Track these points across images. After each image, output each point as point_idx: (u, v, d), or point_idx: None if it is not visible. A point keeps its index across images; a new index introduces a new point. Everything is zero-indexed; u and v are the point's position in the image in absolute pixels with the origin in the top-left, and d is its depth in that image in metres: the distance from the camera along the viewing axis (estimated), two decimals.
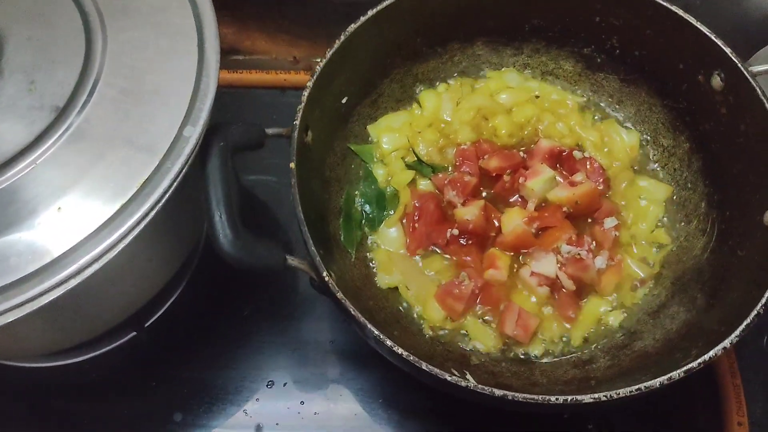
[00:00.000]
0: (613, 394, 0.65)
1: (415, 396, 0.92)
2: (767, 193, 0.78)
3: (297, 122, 0.76)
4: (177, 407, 0.92)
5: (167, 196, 0.66)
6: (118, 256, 0.64)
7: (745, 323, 0.68)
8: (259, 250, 0.70)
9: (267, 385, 0.93)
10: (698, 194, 0.90)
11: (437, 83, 0.99)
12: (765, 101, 0.78)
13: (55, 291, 0.62)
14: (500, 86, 0.98)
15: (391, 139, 0.94)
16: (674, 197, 0.92)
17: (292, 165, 0.74)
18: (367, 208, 0.90)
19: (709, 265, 0.84)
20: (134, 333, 0.94)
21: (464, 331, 0.85)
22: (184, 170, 0.68)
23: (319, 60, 0.82)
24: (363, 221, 0.90)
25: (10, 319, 0.61)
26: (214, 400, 0.92)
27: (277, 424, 0.91)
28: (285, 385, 0.93)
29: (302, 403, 0.92)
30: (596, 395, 0.65)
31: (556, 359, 0.84)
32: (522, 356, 0.84)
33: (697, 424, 0.92)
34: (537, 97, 0.98)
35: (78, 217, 0.64)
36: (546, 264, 0.84)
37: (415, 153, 0.93)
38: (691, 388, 0.93)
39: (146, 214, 0.65)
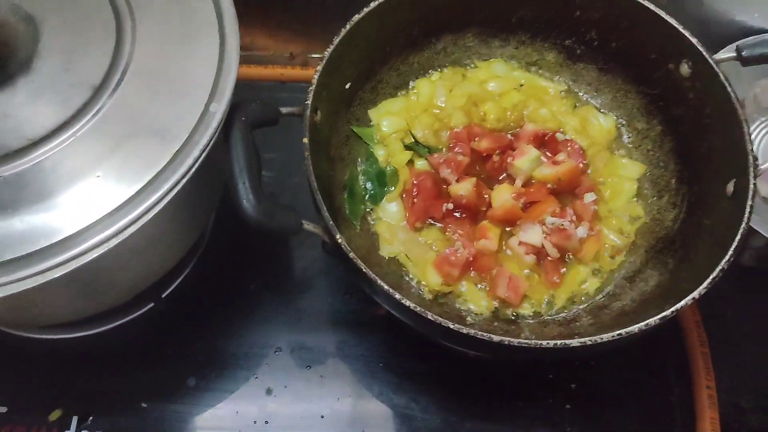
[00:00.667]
0: (598, 339, 0.71)
1: (411, 360, 0.99)
2: (729, 167, 0.84)
3: (309, 102, 0.83)
4: (191, 373, 0.98)
5: (196, 166, 0.72)
6: (151, 222, 0.70)
7: (711, 277, 0.75)
8: (279, 214, 0.75)
9: (275, 352, 0.99)
10: (669, 172, 0.97)
11: (431, 72, 1.06)
12: (727, 86, 0.85)
13: (94, 251, 0.67)
14: (489, 75, 1.05)
15: (390, 122, 1.01)
16: (648, 175, 0.99)
17: (305, 140, 0.80)
18: (369, 185, 0.97)
19: (680, 233, 0.92)
20: (152, 304, 0.99)
21: (460, 296, 0.91)
22: (211, 142, 0.73)
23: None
24: (366, 197, 0.97)
25: (57, 275, 0.66)
26: (225, 366, 0.98)
27: (285, 386, 0.97)
28: (292, 351, 0.99)
29: (308, 367, 0.98)
30: (582, 340, 0.71)
31: (542, 319, 0.90)
32: (512, 317, 0.90)
33: (669, 389, 0.99)
34: (522, 85, 1.05)
35: (115, 184, 0.70)
36: (532, 234, 0.91)
37: (412, 135, 1.00)
38: (665, 356, 1.01)
39: (177, 183, 0.71)
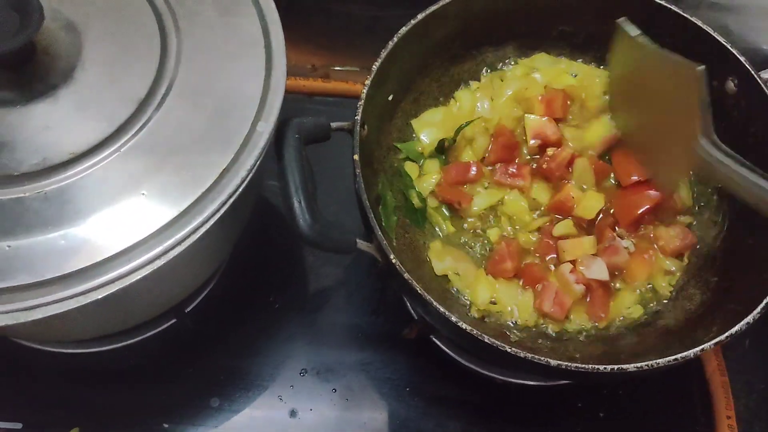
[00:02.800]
0: (654, 363, 0.71)
1: (439, 385, 0.97)
2: None
3: (358, 117, 0.81)
4: (214, 393, 0.95)
5: (243, 186, 0.71)
6: (196, 242, 0.68)
7: (765, 301, 0.74)
8: (333, 234, 0.74)
9: (300, 373, 0.97)
10: (710, 188, 0.95)
11: (471, 82, 1.04)
12: None
13: (140, 272, 0.66)
14: (529, 69, 1.02)
15: (430, 133, 0.98)
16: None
17: (356, 157, 0.79)
18: (410, 207, 0.94)
19: (722, 251, 0.90)
20: (174, 320, 0.97)
21: (507, 311, 0.89)
22: (258, 163, 0.72)
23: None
24: (395, 206, 0.93)
25: (100, 296, 0.64)
26: (249, 387, 0.96)
27: (311, 409, 0.94)
28: (318, 373, 0.97)
29: (334, 390, 0.96)
30: (639, 364, 0.70)
31: (586, 337, 0.89)
32: (555, 334, 0.89)
33: (691, 417, 0.98)
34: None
35: (160, 203, 0.68)
36: (597, 269, 0.88)
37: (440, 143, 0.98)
38: (686, 385, 1.00)
39: (224, 203, 0.69)
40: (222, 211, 0.69)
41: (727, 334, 0.73)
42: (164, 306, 0.89)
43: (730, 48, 0.88)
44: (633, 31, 0.87)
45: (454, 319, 0.72)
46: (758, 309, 0.74)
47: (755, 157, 0.85)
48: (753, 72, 0.87)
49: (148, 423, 0.93)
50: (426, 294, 0.73)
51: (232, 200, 0.70)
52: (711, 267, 0.91)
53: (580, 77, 1.01)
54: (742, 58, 0.88)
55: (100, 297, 0.65)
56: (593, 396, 0.98)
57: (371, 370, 0.98)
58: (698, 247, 0.94)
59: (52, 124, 0.69)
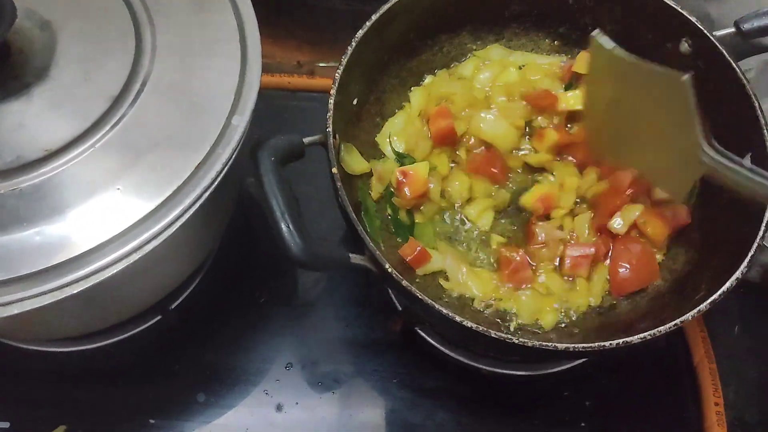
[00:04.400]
0: (656, 332, 0.71)
1: (426, 376, 0.98)
2: (743, 142, 0.82)
3: (329, 129, 0.80)
4: (200, 389, 0.95)
5: (218, 180, 0.71)
6: (172, 236, 0.68)
7: (750, 255, 0.74)
8: (326, 253, 0.74)
9: (286, 367, 0.97)
10: None
11: (425, 76, 1.03)
12: (731, 60, 0.85)
13: (114, 267, 0.66)
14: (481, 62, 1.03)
15: (395, 145, 0.97)
16: None
17: (334, 170, 0.78)
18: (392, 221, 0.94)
19: (700, 207, 0.91)
20: (159, 317, 0.97)
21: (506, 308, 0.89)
22: (233, 157, 0.72)
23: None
24: (375, 209, 0.93)
25: (75, 291, 0.64)
26: (235, 382, 0.96)
27: (296, 403, 0.95)
28: (303, 367, 0.97)
29: (320, 383, 0.96)
30: (642, 335, 0.71)
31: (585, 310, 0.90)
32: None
33: (683, 405, 0.99)
34: (520, 67, 1.02)
35: (135, 198, 0.68)
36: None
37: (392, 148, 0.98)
38: (673, 372, 1.00)
39: (199, 197, 0.69)
40: (197, 205, 0.70)
41: (719, 292, 0.73)
42: (149, 302, 0.89)
43: (680, 10, 0.89)
44: (608, 43, 0.84)
45: (458, 319, 0.72)
46: (745, 262, 0.74)
47: (716, 119, 0.84)
48: (706, 31, 0.88)
49: (135, 419, 0.93)
50: (426, 298, 0.72)
51: (207, 194, 0.70)
52: (692, 223, 0.91)
53: (524, 70, 1.02)
54: (693, 18, 0.89)
55: (75, 292, 0.65)
56: (579, 385, 0.98)
57: (357, 362, 0.98)
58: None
59: (27, 121, 0.70)
